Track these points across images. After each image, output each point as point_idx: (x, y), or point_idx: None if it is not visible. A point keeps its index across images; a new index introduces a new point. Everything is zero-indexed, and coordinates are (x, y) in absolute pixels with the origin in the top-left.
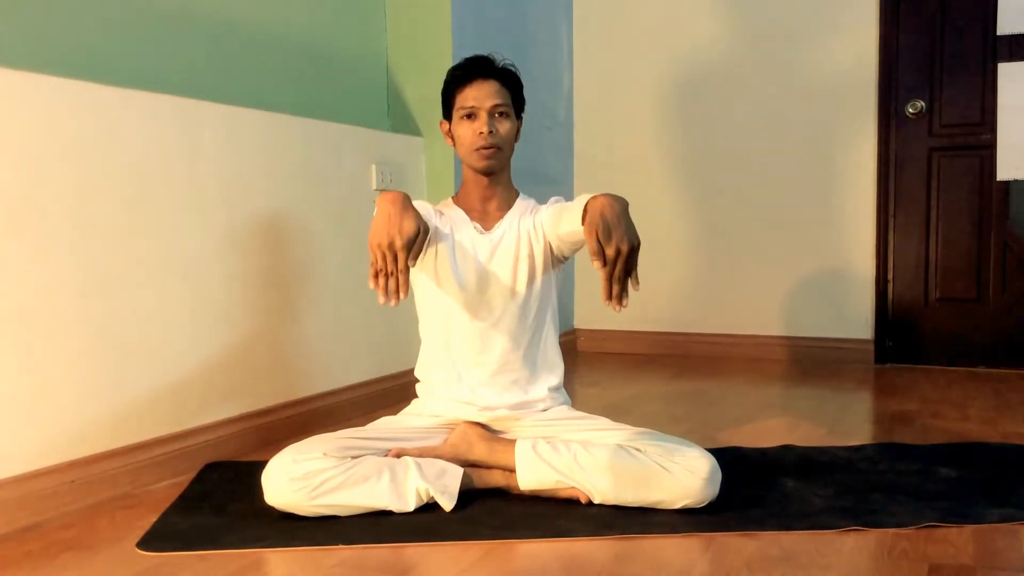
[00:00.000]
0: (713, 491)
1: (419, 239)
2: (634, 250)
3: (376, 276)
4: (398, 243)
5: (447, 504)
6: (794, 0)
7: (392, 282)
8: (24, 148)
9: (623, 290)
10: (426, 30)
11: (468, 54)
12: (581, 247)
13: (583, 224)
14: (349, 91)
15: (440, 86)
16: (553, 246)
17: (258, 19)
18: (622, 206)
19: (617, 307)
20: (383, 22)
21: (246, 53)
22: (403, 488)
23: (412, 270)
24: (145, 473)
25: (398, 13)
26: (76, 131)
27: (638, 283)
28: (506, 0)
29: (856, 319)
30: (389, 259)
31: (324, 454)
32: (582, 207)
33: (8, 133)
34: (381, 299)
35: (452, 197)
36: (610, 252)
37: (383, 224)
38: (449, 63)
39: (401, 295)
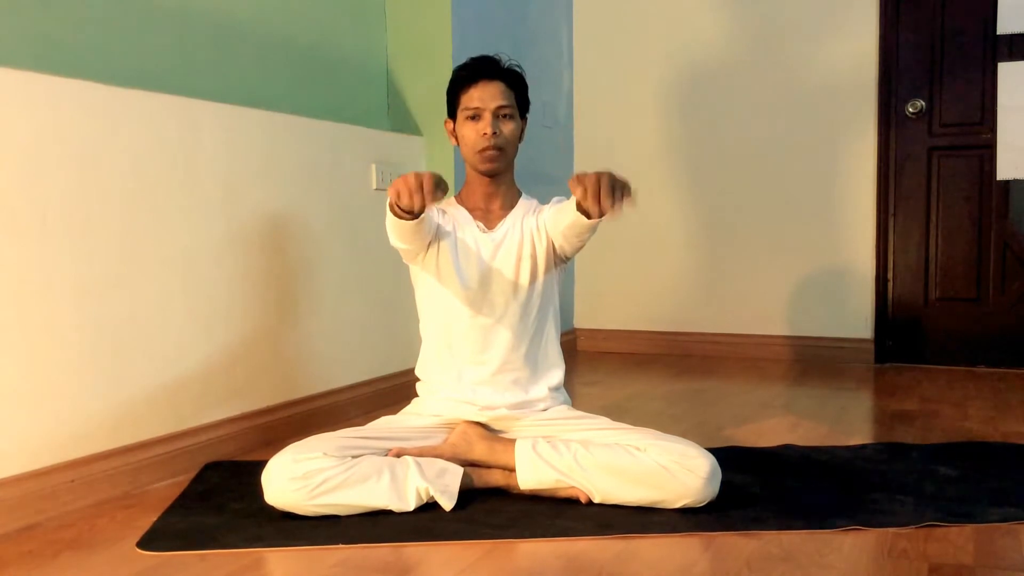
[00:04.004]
0: (713, 490)
1: (442, 188)
2: (616, 179)
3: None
4: (425, 175)
5: (447, 504)
6: (794, 0)
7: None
8: (24, 148)
9: (613, 200)
10: (426, 30)
11: (468, 54)
12: (583, 243)
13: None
14: (349, 91)
15: (440, 86)
16: (556, 244)
17: (258, 19)
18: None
19: (609, 211)
20: (383, 22)
21: (246, 53)
22: (403, 488)
23: (413, 269)
24: (145, 473)
25: (398, 13)
26: (76, 131)
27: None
28: (506, 0)
29: (856, 319)
30: (413, 185)
31: (324, 454)
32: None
33: (8, 133)
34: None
35: (455, 196)
36: (589, 178)
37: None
38: (449, 63)
39: (418, 204)
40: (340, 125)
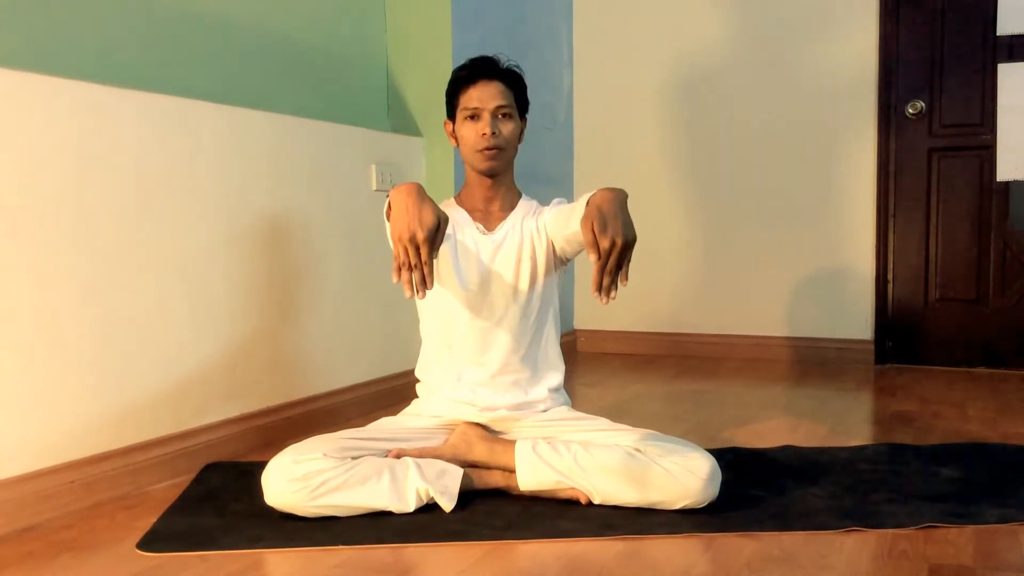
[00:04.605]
0: (713, 491)
1: (440, 229)
2: (628, 245)
3: (399, 270)
4: (420, 236)
5: (447, 505)
6: (794, 0)
7: (417, 275)
8: (24, 148)
9: (612, 283)
10: (426, 30)
11: (468, 54)
12: (583, 249)
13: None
14: (349, 91)
15: (440, 86)
16: (556, 247)
17: (258, 19)
18: (620, 199)
19: (604, 300)
20: (383, 22)
21: (246, 53)
22: (403, 489)
23: None
24: (145, 473)
25: (398, 13)
26: (76, 131)
27: (627, 278)
28: (506, 0)
29: (856, 319)
30: (412, 252)
31: (324, 455)
32: (584, 205)
33: (8, 133)
34: (407, 293)
35: (454, 197)
36: (604, 244)
37: (402, 217)
38: (449, 64)
39: (428, 286)
40: (340, 126)
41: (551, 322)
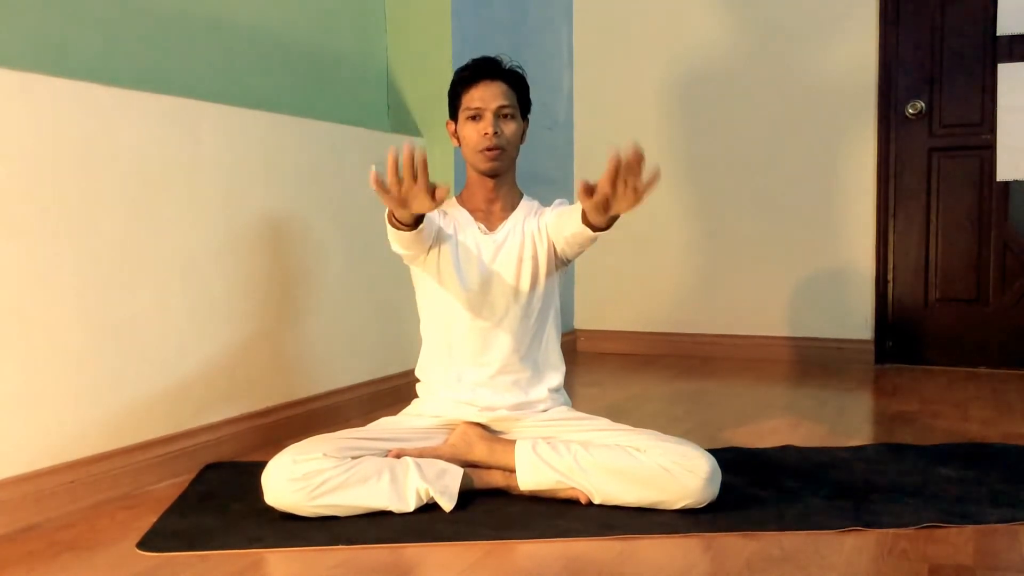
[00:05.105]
0: (713, 491)
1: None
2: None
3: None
4: (418, 156)
5: (447, 504)
6: (794, 1)
7: (421, 181)
8: (24, 148)
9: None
10: (426, 30)
11: (468, 54)
12: (584, 250)
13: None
14: (349, 91)
15: (440, 86)
16: (557, 248)
17: (258, 19)
18: None
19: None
20: (383, 22)
21: (246, 53)
22: (403, 488)
23: (414, 270)
24: (145, 473)
25: (398, 13)
26: (76, 131)
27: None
28: (506, 0)
29: (856, 319)
30: (407, 173)
31: (324, 454)
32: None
33: (8, 133)
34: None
35: (456, 197)
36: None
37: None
38: (449, 63)
39: (436, 197)
40: (340, 126)
41: (552, 322)
